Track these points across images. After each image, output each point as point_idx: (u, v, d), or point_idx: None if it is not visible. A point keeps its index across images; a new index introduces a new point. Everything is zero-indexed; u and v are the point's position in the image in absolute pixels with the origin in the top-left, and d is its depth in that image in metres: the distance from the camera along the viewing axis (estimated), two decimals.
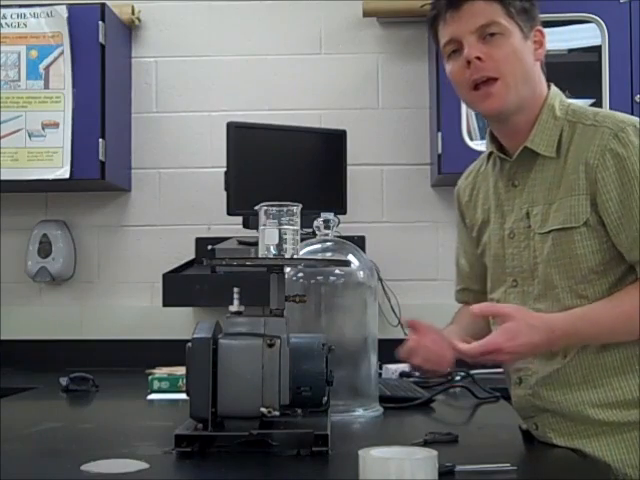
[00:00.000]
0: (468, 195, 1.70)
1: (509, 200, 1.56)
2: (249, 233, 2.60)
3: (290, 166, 2.73)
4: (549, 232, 1.48)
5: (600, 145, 1.44)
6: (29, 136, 2.67)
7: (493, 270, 1.61)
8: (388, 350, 2.09)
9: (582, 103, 2.70)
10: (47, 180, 2.66)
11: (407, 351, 1.52)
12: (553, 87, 1.57)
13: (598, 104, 2.56)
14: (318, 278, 1.80)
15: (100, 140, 2.67)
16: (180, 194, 2.97)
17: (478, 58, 1.47)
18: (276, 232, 1.44)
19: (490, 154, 1.62)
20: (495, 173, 1.60)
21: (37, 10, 2.68)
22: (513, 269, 1.55)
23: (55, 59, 2.68)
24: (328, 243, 1.85)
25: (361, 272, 1.85)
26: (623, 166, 1.42)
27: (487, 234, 1.62)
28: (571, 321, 1.41)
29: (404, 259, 2.83)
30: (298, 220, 1.47)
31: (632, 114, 2.46)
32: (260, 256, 1.46)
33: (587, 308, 1.43)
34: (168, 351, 2.22)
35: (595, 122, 1.47)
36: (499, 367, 1.66)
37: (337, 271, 1.82)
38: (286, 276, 1.48)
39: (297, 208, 1.48)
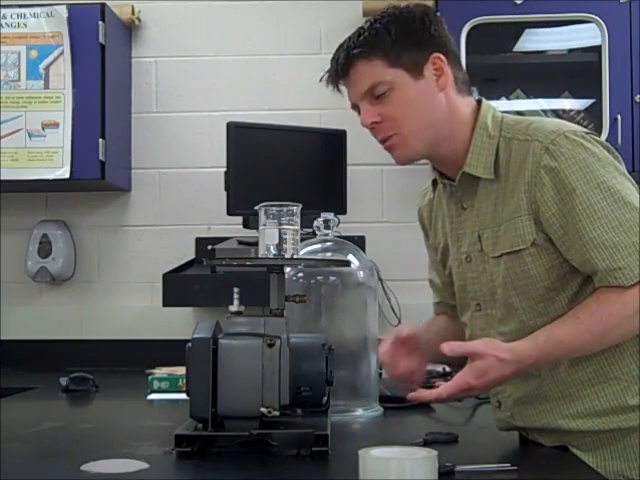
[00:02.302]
0: (427, 218, 1.70)
1: (461, 223, 1.55)
2: (249, 233, 2.60)
3: (290, 166, 2.73)
4: (501, 256, 1.47)
5: (534, 162, 1.41)
6: (29, 136, 2.67)
7: (458, 294, 1.60)
8: None
9: (581, 103, 2.72)
10: (47, 180, 2.66)
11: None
12: (484, 103, 1.54)
13: (598, 104, 2.56)
14: (318, 278, 1.80)
15: (100, 140, 2.67)
16: (180, 194, 2.97)
17: (374, 122, 1.49)
18: (276, 232, 1.44)
19: (435, 180, 1.61)
20: (446, 196, 1.59)
21: (37, 10, 2.68)
22: (475, 293, 1.55)
23: (55, 59, 2.67)
24: (328, 243, 1.85)
25: (361, 272, 1.85)
26: (559, 180, 1.40)
27: (451, 257, 1.61)
28: (539, 347, 1.38)
29: (404, 259, 2.82)
30: (298, 220, 1.47)
31: (632, 114, 2.50)
32: (260, 256, 1.46)
33: (552, 329, 1.40)
34: (168, 351, 2.22)
35: (528, 136, 1.44)
36: None
37: (337, 271, 1.82)
38: (286, 276, 1.48)
39: (297, 208, 1.47)
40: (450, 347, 1.40)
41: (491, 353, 1.37)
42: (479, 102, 1.55)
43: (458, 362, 1.46)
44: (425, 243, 1.75)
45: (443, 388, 1.40)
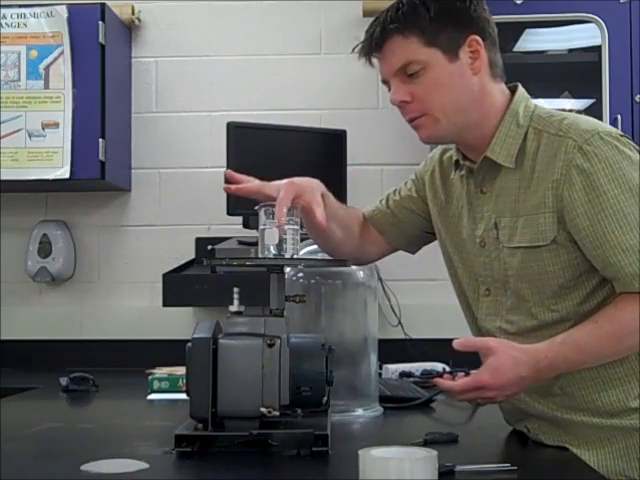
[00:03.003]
0: (430, 181, 1.67)
1: (479, 207, 1.53)
2: (249, 233, 2.60)
3: (290, 166, 2.71)
4: (517, 248, 1.46)
5: (565, 160, 1.39)
6: (29, 136, 2.67)
7: (463, 273, 1.59)
8: (388, 350, 2.10)
9: (581, 103, 2.72)
10: (47, 180, 2.66)
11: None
12: (520, 90, 1.51)
13: (598, 104, 2.56)
14: (318, 278, 1.80)
15: (100, 140, 2.67)
16: (180, 194, 2.97)
17: (403, 101, 1.47)
18: (276, 232, 1.44)
19: (457, 161, 1.59)
20: (466, 177, 1.57)
21: (37, 10, 2.68)
22: (485, 278, 1.53)
23: (55, 59, 2.67)
24: None
25: (361, 272, 1.85)
26: (590, 182, 1.38)
27: (465, 236, 1.58)
28: (555, 348, 1.38)
29: (404, 259, 2.81)
30: (298, 220, 1.47)
31: (632, 114, 2.50)
32: (260, 256, 1.46)
33: (570, 332, 1.40)
34: (168, 351, 2.22)
35: (560, 132, 1.42)
36: None
37: (337, 271, 1.82)
38: (286, 276, 1.48)
39: (297, 208, 1.48)
40: (462, 342, 1.38)
41: (503, 350, 1.37)
42: (513, 89, 1.52)
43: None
44: (412, 180, 1.74)
45: (454, 383, 1.39)
